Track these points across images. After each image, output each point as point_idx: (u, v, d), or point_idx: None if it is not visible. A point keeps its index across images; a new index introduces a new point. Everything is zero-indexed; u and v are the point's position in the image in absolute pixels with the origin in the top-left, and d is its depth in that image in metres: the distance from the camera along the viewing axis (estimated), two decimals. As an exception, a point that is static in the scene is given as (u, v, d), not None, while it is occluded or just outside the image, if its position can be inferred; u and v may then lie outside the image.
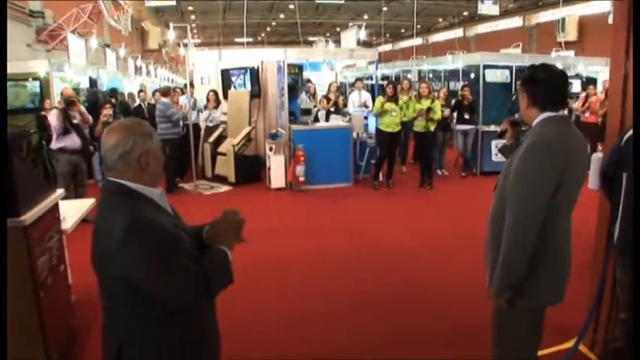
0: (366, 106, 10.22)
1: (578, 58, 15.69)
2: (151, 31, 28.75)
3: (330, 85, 10.63)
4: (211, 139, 9.77)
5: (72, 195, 6.31)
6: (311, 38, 31.17)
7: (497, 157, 9.70)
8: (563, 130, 2.20)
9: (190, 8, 28.53)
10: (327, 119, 9.51)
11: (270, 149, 8.90)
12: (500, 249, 2.19)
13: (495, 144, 9.69)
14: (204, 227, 1.91)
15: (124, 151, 1.67)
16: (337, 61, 12.65)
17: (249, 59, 10.33)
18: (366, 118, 9.63)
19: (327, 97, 10.07)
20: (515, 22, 28.24)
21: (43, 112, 9.09)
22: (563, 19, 23.02)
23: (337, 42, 22.42)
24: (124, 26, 19.17)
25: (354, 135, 9.24)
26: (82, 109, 7.30)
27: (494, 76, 11.00)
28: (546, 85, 2.22)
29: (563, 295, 2.29)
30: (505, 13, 26.99)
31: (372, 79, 14.47)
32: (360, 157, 9.55)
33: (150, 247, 1.57)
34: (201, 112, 10.14)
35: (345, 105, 10.72)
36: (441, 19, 34.04)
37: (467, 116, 9.75)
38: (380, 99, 8.52)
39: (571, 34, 23.27)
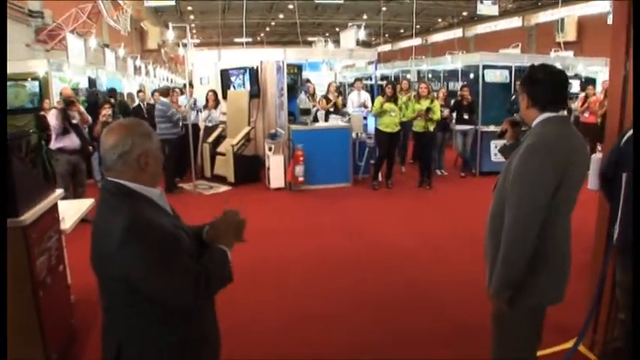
0: (365, 107, 10.22)
1: (578, 59, 15.70)
2: (150, 31, 28.73)
3: (329, 85, 10.62)
4: (210, 139, 9.76)
5: (71, 195, 6.31)
6: (310, 38, 31.17)
7: (496, 157, 9.72)
8: (563, 130, 2.20)
9: (189, 8, 28.52)
10: (326, 119, 9.51)
11: (270, 149, 8.90)
12: (499, 249, 2.19)
13: (494, 144, 9.70)
14: (205, 227, 1.91)
15: (123, 151, 1.66)
16: (336, 61, 12.65)
17: (249, 59, 10.34)
18: (365, 118, 9.63)
19: (326, 97, 10.07)
20: (515, 22, 28.26)
21: (42, 112, 9.09)
22: (562, 20, 23.03)
23: (336, 42, 22.42)
24: (123, 26, 19.15)
25: (354, 135, 9.23)
26: (82, 109, 7.30)
27: (493, 77, 11.00)
28: (546, 86, 2.22)
29: (563, 295, 2.29)
30: (504, 14, 27.00)
31: (371, 79, 14.50)
32: (360, 158, 9.55)
33: (149, 246, 1.56)
34: (201, 112, 10.13)
35: (345, 105, 10.71)
36: (440, 20, 34.06)
37: (466, 116, 9.75)
38: (379, 99, 8.52)
39: (570, 34, 23.28)
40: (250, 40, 36.31)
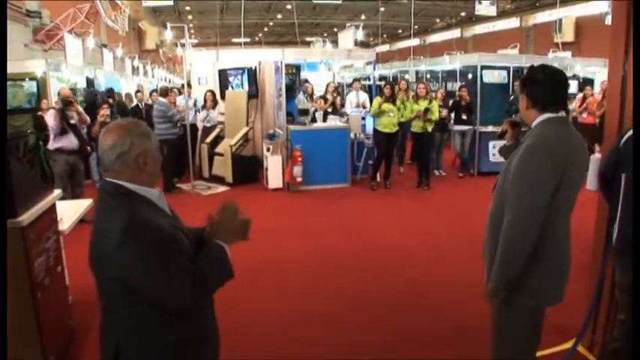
0: (363, 107, 10.22)
1: (575, 59, 15.72)
2: (148, 31, 28.71)
3: (327, 86, 10.61)
4: (209, 139, 9.76)
5: (69, 195, 6.29)
6: (308, 39, 31.13)
7: (494, 157, 9.74)
8: (562, 130, 2.20)
9: (187, 8, 28.51)
10: (324, 120, 9.51)
11: (268, 150, 8.89)
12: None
13: (493, 144, 9.72)
14: (206, 229, 1.90)
15: (121, 151, 1.66)
16: (335, 62, 12.64)
17: (247, 59, 10.34)
18: (363, 118, 9.63)
19: (324, 98, 10.06)
20: (513, 22, 28.28)
21: (39, 113, 9.07)
22: (560, 20, 23.08)
23: (335, 42, 22.41)
24: (121, 26, 19.12)
25: (352, 135, 9.23)
26: (80, 109, 7.29)
27: (491, 77, 11.02)
28: (546, 87, 2.22)
29: (563, 296, 2.29)
30: (502, 14, 27.04)
31: (369, 79, 14.51)
32: (358, 158, 9.54)
33: (147, 247, 1.56)
34: (199, 112, 10.12)
35: (343, 105, 10.71)
36: (438, 20, 34.10)
37: (464, 117, 9.75)
38: (378, 99, 8.51)
39: (568, 34, 23.31)
40: (248, 40, 36.30)
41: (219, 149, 9.56)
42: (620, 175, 2.67)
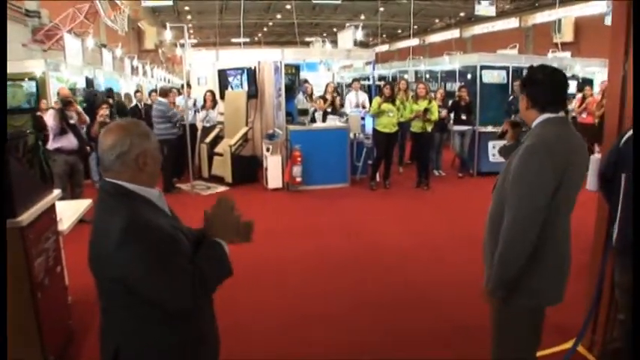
0: (363, 107, 10.22)
1: (575, 59, 15.72)
2: (147, 31, 28.72)
3: (327, 86, 10.61)
4: (208, 139, 9.75)
5: (68, 195, 6.28)
6: (308, 39, 31.15)
7: (494, 157, 9.74)
8: (562, 131, 2.20)
9: (187, 8, 28.52)
10: (324, 120, 9.50)
11: (267, 150, 8.89)
12: (498, 249, 2.19)
13: (492, 145, 9.72)
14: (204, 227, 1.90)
15: (121, 151, 1.66)
16: (334, 62, 12.65)
17: (246, 59, 10.33)
18: (363, 118, 9.63)
19: (323, 98, 10.05)
20: (512, 23, 28.30)
21: (38, 113, 9.06)
22: (560, 20, 23.08)
23: (334, 42, 22.42)
24: (121, 26, 19.12)
25: (351, 135, 9.23)
26: (79, 109, 7.27)
27: (491, 77, 11.03)
28: (546, 87, 2.22)
29: (563, 296, 2.29)
30: (501, 14, 27.05)
31: (368, 79, 14.50)
32: (357, 158, 9.54)
33: (147, 247, 1.55)
34: (199, 112, 10.12)
35: (342, 105, 10.71)
36: (437, 20, 34.12)
37: (464, 117, 9.76)
38: (377, 99, 8.51)
39: (567, 35, 23.32)
40: (248, 40, 36.31)
41: (218, 149, 9.55)
42: (620, 175, 2.67)
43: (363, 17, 30.19)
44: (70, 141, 6.61)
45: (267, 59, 9.72)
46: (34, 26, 15.01)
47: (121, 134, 1.67)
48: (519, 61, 11.38)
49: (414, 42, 30.45)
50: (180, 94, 10.00)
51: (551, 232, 2.16)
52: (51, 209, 3.46)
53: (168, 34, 19.94)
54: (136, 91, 13.16)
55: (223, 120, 9.93)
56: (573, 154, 2.16)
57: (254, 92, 9.85)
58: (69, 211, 4.03)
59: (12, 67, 8.93)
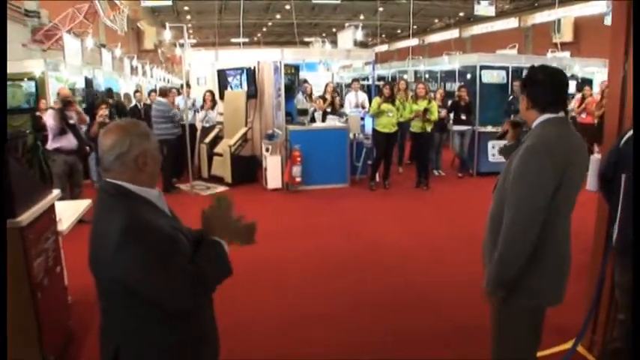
0: (362, 107, 10.22)
1: (574, 59, 15.73)
2: (146, 31, 28.70)
3: (326, 86, 10.62)
4: (208, 139, 9.74)
5: (68, 196, 6.27)
6: (307, 39, 31.17)
7: (493, 157, 9.74)
8: (562, 131, 2.20)
9: (186, 8, 28.50)
10: (323, 120, 9.51)
11: (267, 150, 8.89)
12: (499, 249, 2.19)
13: (492, 145, 9.72)
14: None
15: (121, 151, 1.65)
16: (334, 62, 12.65)
17: (246, 59, 10.32)
18: (362, 118, 9.63)
19: (323, 98, 10.06)
20: (511, 23, 28.29)
21: (37, 113, 9.05)
22: (559, 20, 23.08)
23: (334, 42, 22.44)
24: (120, 26, 19.11)
25: (351, 136, 9.22)
26: (79, 109, 7.27)
27: (490, 77, 11.03)
28: (546, 87, 2.22)
29: (563, 296, 2.29)
30: (501, 14, 27.03)
31: (368, 79, 14.50)
32: (357, 158, 9.54)
33: (147, 248, 1.55)
34: (198, 112, 10.12)
35: (342, 105, 10.71)
36: (437, 20, 34.12)
37: (463, 117, 9.76)
38: (377, 100, 8.51)
39: (567, 35, 23.32)
40: (247, 40, 36.29)
41: (218, 149, 9.55)
42: (620, 175, 2.67)
43: (362, 17, 30.18)
44: (69, 141, 6.60)
45: (267, 59, 9.71)
46: (33, 26, 14.99)
47: (121, 134, 1.67)
48: (519, 61, 11.39)
49: (413, 42, 30.46)
50: (179, 94, 9.99)
51: (552, 232, 2.16)
52: (50, 209, 3.45)
53: (167, 34, 19.95)
54: (136, 91, 13.15)
55: (223, 120, 9.93)
56: (573, 155, 2.17)
57: (253, 92, 9.85)
58: (68, 212, 4.02)
59: (11, 67, 8.91)
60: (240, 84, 10.08)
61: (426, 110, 8.63)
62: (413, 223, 6.97)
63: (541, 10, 26.11)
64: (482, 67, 10.65)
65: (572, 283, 2.31)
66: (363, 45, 30.17)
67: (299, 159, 8.45)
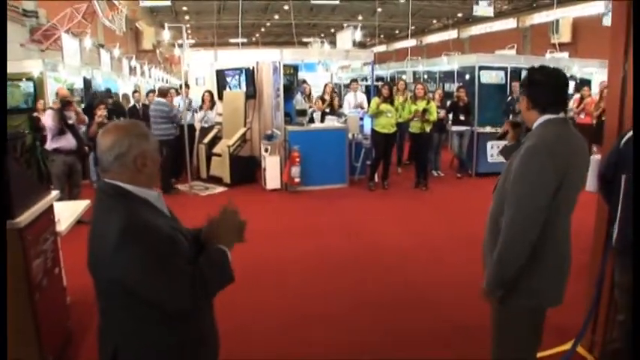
0: (361, 107, 10.22)
1: (572, 60, 15.73)
2: (145, 31, 28.69)
3: (325, 86, 10.61)
4: (206, 140, 9.73)
5: (66, 196, 6.26)
6: (305, 39, 31.19)
7: (492, 158, 9.75)
8: (563, 131, 2.20)
9: (185, 8, 28.46)
10: (322, 120, 9.50)
11: (266, 150, 8.88)
12: (499, 249, 2.19)
13: (491, 145, 9.73)
14: (203, 229, 1.89)
15: (119, 152, 1.65)
16: (332, 62, 12.65)
17: (245, 60, 10.32)
18: (361, 119, 9.63)
19: (322, 98, 10.05)
20: (510, 23, 28.32)
21: (35, 114, 9.03)
22: (557, 21, 23.10)
23: (332, 43, 22.45)
24: (119, 26, 19.09)
25: (350, 136, 9.23)
26: (78, 109, 7.26)
27: (489, 78, 11.04)
28: (546, 88, 2.22)
29: (563, 296, 2.29)
30: (499, 15, 27.05)
31: (367, 79, 14.50)
32: (356, 158, 9.55)
33: (146, 249, 1.55)
34: (196, 112, 10.11)
35: (341, 106, 10.71)
36: (435, 21, 34.12)
37: (462, 117, 9.76)
38: (376, 100, 8.51)
39: (565, 35, 23.35)
40: (246, 40, 36.25)
41: (216, 150, 9.54)
42: (620, 176, 2.67)
43: (360, 18, 30.19)
44: (68, 141, 6.59)
45: (266, 59, 9.71)
46: (31, 26, 14.98)
47: (120, 135, 1.66)
48: (517, 62, 11.42)
49: (411, 43, 30.47)
50: (178, 94, 9.97)
51: (552, 232, 2.16)
52: (49, 210, 3.44)
53: (166, 35, 19.92)
54: (134, 92, 13.13)
55: (221, 120, 9.92)
56: (574, 155, 2.17)
57: (252, 93, 9.84)
58: (67, 212, 4.01)
59: (10, 67, 8.81)
60: (239, 84, 10.08)
61: (424, 111, 8.63)
62: (412, 224, 6.97)
63: (539, 10, 26.15)
64: (480, 68, 10.66)
65: (572, 282, 2.31)
66: (361, 45, 30.21)
67: (298, 159, 8.44)
